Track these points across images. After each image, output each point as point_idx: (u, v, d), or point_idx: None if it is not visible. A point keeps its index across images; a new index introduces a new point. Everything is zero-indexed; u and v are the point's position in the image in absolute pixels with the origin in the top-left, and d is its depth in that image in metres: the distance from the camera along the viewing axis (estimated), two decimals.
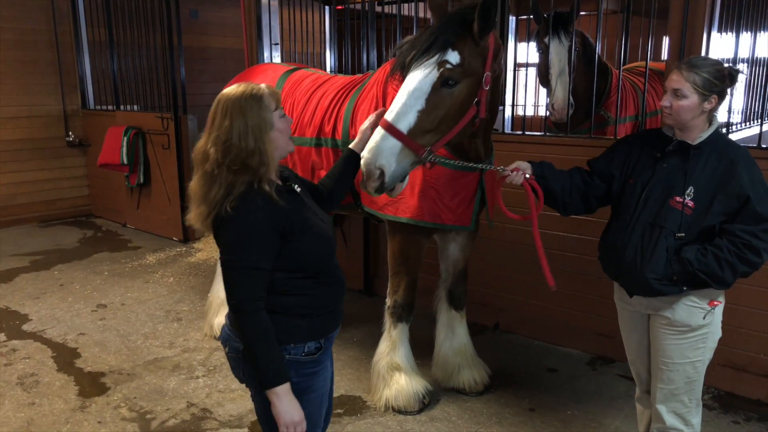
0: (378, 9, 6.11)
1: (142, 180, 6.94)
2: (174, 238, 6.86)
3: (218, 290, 4.44)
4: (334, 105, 3.49)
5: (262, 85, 2.00)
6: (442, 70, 2.51)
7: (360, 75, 3.74)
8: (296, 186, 2.12)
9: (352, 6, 5.52)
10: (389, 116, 2.49)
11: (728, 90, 2.32)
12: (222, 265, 1.93)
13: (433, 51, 2.52)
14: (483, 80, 2.62)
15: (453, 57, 2.52)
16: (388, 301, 3.40)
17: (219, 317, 4.38)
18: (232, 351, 2.05)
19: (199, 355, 4.15)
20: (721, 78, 2.25)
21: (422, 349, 3.81)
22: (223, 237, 1.92)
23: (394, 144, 2.46)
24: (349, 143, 3.36)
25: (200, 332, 4.48)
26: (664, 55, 8.83)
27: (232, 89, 1.98)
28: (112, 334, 4.46)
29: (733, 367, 3.54)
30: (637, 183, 2.42)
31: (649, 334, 2.49)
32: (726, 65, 2.31)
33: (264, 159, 1.92)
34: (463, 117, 2.61)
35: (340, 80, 3.68)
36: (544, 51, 4.57)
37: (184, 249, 6.56)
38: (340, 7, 6.66)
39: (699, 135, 2.32)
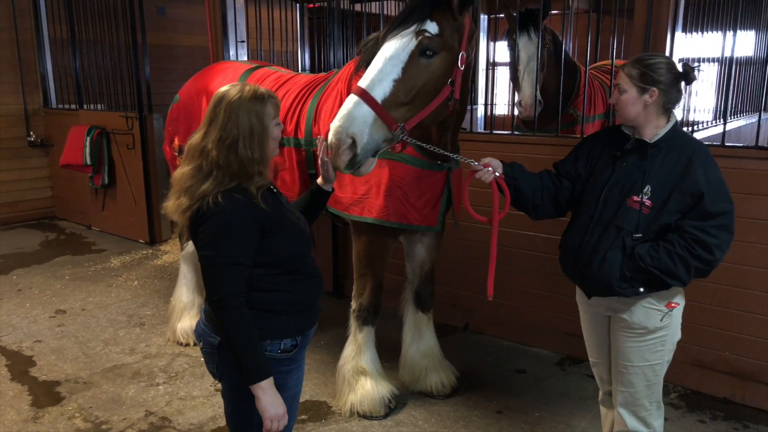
0: (354, 8, 6.04)
1: (106, 181, 6.75)
2: (140, 241, 6.70)
3: (181, 294, 4.33)
4: (296, 104, 3.40)
5: (267, 92, 2.00)
6: (420, 38, 2.43)
7: (324, 73, 3.66)
8: (272, 186, 2.12)
9: (323, 4, 5.42)
10: (363, 83, 2.39)
11: (672, 84, 2.24)
12: (202, 261, 1.92)
13: (411, 21, 2.44)
14: (459, 59, 2.56)
15: (432, 27, 2.45)
16: (354, 304, 3.33)
17: (182, 322, 4.26)
18: (207, 346, 2.04)
19: (161, 361, 4.02)
20: (657, 70, 2.21)
21: (390, 351, 3.75)
22: (204, 233, 1.91)
23: (367, 112, 2.35)
24: (312, 142, 3.30)
25: (163, 337, 4.35)
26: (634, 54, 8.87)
27: (236, 90, 1.96)
28: (70, 340, 4.31)
29: (699, 366, 3.54)
30: (597, 182, 2.39)
31: (610, 337, 2.45)
32: (670, 60, 2.27)
33: (262, 169, 1.95)
34: (438, 95, 2.54)
35: (303, 78, 3.59)
36: (513, 48, 4.54)
37: (151, 251, 6.40)
38: (310, 5, 6.57)
39: (656, 132, 2.28)
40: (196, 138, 1.98)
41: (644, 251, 2.21)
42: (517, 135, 4.17)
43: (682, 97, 2.33)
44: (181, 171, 1.98)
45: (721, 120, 4.69)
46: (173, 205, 1.98)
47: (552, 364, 3.99)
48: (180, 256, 4.47)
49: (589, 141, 2.53)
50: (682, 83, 2.27)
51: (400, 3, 5.64)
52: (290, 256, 2.04)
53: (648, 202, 2.23)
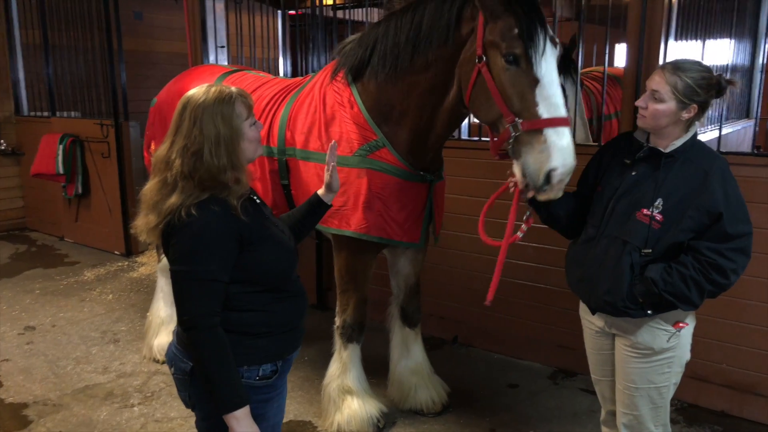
0: (336, 14, 5.93)
1: (80, 190, 6.52)
2: (116, 252, 6.47)
3: (158, 309, 4.14)
4: (269, 109, 3.23)
5: (234, 91, 1.83)
6: (558, 47, 2.35)
7: (299, 77, 3.50)
8: (255, 197, 1.97)
9: (306, 11, 5.30)
10: (563, 112, 2.23)
11: (709, 99, 2.10)
12: (174, 277, 1.77)
13: (549, 33, 2.31)
14: None
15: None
16: (337, 321, 3.17)
17: (159, 338, 4.07)
18: (179, 372, 1.89)
19: (136, 380, 3.82)
20: (706, 87, 2.06)
21: (378, 367, 3.59)
22: (176, 245, 1.76)
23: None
24: (286, 151, 3.13)
25: (139, 355, 4.15)
26: (616, 62, 8.94)
27: (200, 93, 1.81)
28: (40, 359, 4.08)
29: (697, 378, 3.44)
30: (605, 191, 2.25)
31: (614, 356, 2.33)
32: (717, 74, 2.11)
33: (238, 175, 1.81)
34: None
35: (279, 83, 3.43)
36: None
37: (126, 263, 6.17)
38: (292, 13, 6.45)
39: (673, 142, 2.14)
40: (162, 149, 1.83)
41: (657, 275, 2.06)
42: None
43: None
44: (148, 186, 1.83)
45: (711, 126, 4.66)
46: (142, 224, 1.83)
47: (544, 377, 3.87)
48: (157, 268, 4.28)
49: (598, 152, 2.41)
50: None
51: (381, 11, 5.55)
52: (272, 273, 1.89)
53: (659, 217, 2.08)
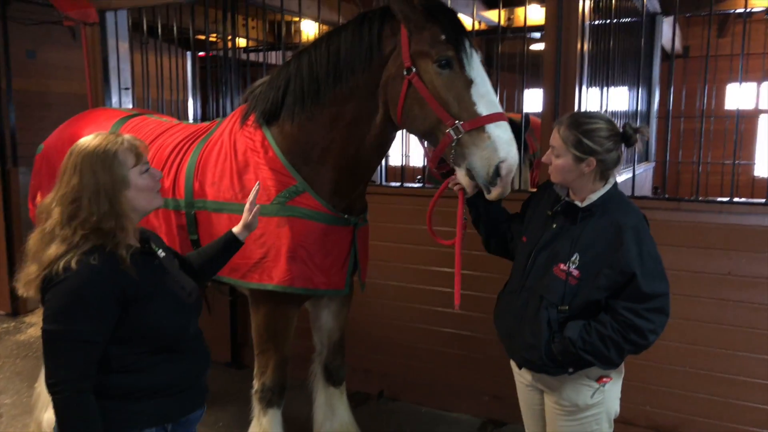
0: (244, 57, 5.79)
1: None
2: (0, 312, 5.79)
3: None
4: (173, 158, 2.99)
5: (121, 138, 1.77)
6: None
7: (206, 123, 3.29)
8: (158, 250, 1.87)
9: (217, 53, 5.11)
10: (500, 107, 2.30)
11: (612, 149, 2.05)
12: (44, 336, 1.69)
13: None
14: None
15: None
16: (256, 384, 2.91)
17: (49, 412, 3.58)
18: None
19: None
20: (601, 140, 2.02)
21: (302, 429, 3.33)
22: (49, 303, 1.68)
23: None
24: (194, 204, 2.90)
25: None
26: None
27: (87, 141, 1.79)
28: None
29: (621, 421, 3.42)
30: (528, 242, 2.21)
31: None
32: (611, 122, 2.08)
33: (121, 222, 1.75)
34: None
35: (183, 129, 3.19)
36: None
37: (12, 324, 5.53)
38: (202, 54, 6.26)
39: (589, 196, 2.10)
40: (47, 198, 1.77)
41: (576, 335, 1.99)
42: (429, 188, 4.03)
43: (622, 159, 2.17)
44: (32, 235, 1.75)
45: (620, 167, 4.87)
46: (23, 275, 1.73)
47: (474, 429, 3.75)
48: None
49: (527, 199, 2.38)
50: (622, 145, 2.09)
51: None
52: (161, 333, 1.77)
53: (575, 272, 2.03)
